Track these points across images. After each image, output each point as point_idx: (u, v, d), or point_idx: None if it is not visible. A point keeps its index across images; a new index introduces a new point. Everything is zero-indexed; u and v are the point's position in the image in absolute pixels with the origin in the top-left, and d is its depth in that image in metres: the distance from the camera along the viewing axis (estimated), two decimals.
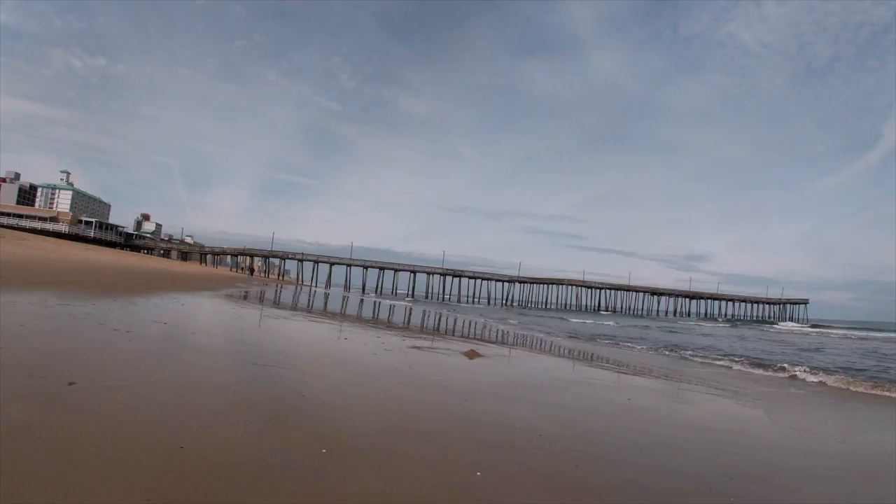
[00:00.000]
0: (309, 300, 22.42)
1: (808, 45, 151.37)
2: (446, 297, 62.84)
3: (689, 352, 12.94)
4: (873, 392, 8.04)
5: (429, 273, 63.64)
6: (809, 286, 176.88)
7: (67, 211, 67.77)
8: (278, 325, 9.93)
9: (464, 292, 63.77)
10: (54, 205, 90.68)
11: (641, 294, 68.01)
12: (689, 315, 66.70)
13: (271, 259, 65.90)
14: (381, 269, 63.21)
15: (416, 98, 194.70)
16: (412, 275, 63.00)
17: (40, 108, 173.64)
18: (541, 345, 12.45)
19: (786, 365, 10.48)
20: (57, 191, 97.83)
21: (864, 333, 35.89)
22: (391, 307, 24.44)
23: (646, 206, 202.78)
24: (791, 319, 67.15)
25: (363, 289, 61.57)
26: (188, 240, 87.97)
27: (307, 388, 4.22)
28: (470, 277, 64.85)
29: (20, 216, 53.03)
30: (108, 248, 45.98)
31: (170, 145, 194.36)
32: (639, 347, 13.69)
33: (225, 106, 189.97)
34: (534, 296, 65.95)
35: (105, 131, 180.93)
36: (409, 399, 4.30)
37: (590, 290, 66.79)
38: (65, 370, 3.51)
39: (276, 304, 16.92)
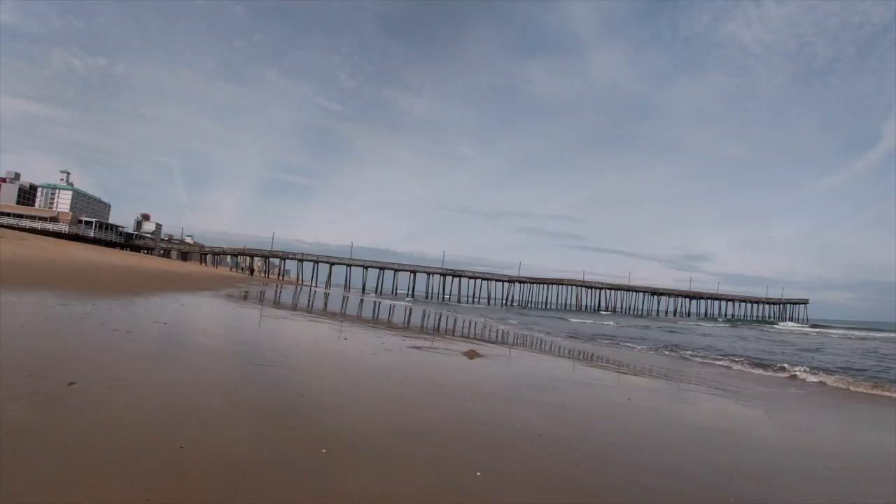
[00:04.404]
0: (309, 300, 22.42)
1: (808, 45, 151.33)
2: (446, 297, 62.84)
3: (689, 352, 12.94)
4: (873, 392, 8.04)
5: (429, 273, 63.63)
6: (809, 286, 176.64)
7: (67, 211, 67.63)
8: (278, 325, 9.93)
9: (464, 292, 63.84)
10: (54, 205, 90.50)
11: (641, 294, 67.99)
12: (689, 315, 66.68)
13: (271, 259, 65.89)
14: (381, 269, 63.20)
15: (416, 98, 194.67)
16: (412, 275, 63.00)
17: (40, 108, 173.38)
18: (541, 345, 12.45)
19: (786, 365, 10.48)
20: (57, 191, 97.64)
21: (864, 333, 35.88)
22: (391, 307, 24.44)
23: (646, 206, 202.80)
24: (791, 319, 67.10)
25: (363, 289, 61.55)
26: (188, 240, 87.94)
27: (307, 388, 4.22)
28: (470, 277, 64.84)
29: (20, 216, 53.02)
30: (108, 248, 45.97)
31: (170, 145, 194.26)
32: (639, 347, 13.69)
33: (225, 106, 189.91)
34: (534, 296, 66.01)
35: (105, 131, 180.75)
36: (409, 399, 4.30)
37: (590, 290, 66.79)
38: (65, 370, 3.51)
39: (276, 304, 16.92)
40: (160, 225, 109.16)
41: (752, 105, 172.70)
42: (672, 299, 68.59)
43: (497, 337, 13.49)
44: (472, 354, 7.76)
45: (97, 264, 21.15)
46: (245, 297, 17.57)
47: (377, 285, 62.27)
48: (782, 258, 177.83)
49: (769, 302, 70.54)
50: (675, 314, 66.59)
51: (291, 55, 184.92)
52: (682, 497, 2.69)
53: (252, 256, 66.10)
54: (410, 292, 61.97)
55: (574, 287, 66.47)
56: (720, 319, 60.85)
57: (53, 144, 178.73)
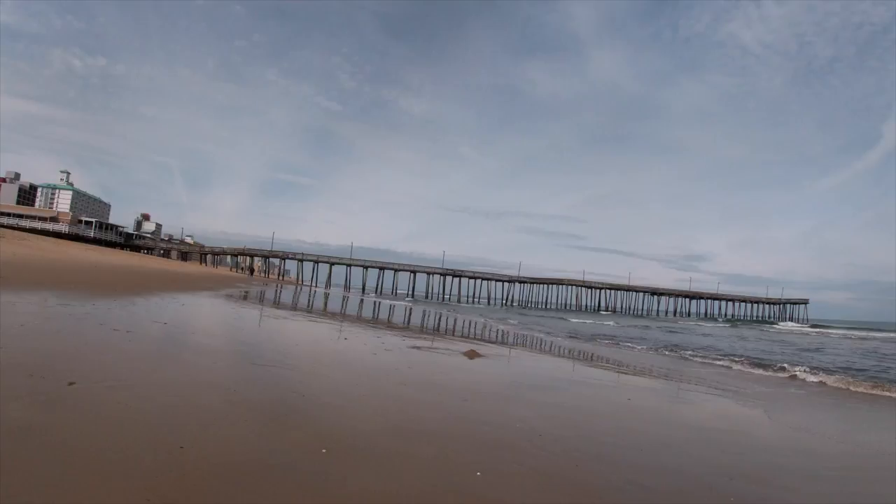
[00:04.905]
0: (309, 300, 22.42)
1: (808, 45, 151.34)
2: (446, 297, 62.84)
3: (689, 352, 12.94)
4: (873, 392, 8.04)
5: (429, 273, 63.62)
6: (809, 286, 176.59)
7: (67, 211, 67.59)
8: (278, 325, 9.93)
9: (464, 292, 63.83)
10: (54, 205, 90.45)
11: (641, 294, 67.98)
12: (689, 315, 66.67)
13: (271, 259, 65.88)
14: (381, 269, 63.19)
15: (416, 98, 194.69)
16: (412, 275, 62.99)
17: (40, 108, 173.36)
18: (541, 345, 12.45)
19: (786, 365, 10.48)
20: (57, 191, 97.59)
21: (864, 333, 35.87)
22: (391, 307, 24.44)
23: (646, 206, 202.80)
24: (791, 319, 67.08)
25: (363, 289, 61.55)
26: (188, 240, 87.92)
27: (307, 388, 4.22)
28: (470, 277, 64.83)
29: (20, 216, 53.00)
30: (108, 248, 45.96)
31: (170, 145, 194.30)
32: (639, 347, 13.69)
33: (225, 106, 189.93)
34: (534, 296, 66.00)
35: (105, 131, 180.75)
36: (409, 399, 4.30)
37: (590, 290, 66.78)
38: (65, 370, 3.51)
39: (276, 304, 16.92)
40: (160, 225, 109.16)
41: (752, 105, 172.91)
42: (672, 299, 68.61)
43: (497, 337, 13.49)
44: (472, 354, 7.76)
45: (97, 264, 21.15)
46: (245, 297, 17.57)
47: (377, 285, 62.27)
48: (782, 258, 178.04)
49: (769, 302, 70.53)
50: (675, 314, 66.58)
51: (291, 55, 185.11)
52: (682, 497, 2.69)
53: (252, 256, 66.09)
54: (410, 292, 61.96)
55: (574, 287, 66.46)
56: (720, 319, 60.84)
57: (53, 144, 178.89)
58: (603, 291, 67.12)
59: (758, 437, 4.50)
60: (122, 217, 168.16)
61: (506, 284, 65.62)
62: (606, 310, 64.72)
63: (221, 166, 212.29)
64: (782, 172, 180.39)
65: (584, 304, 65.64)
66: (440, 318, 19.99)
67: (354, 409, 3.70)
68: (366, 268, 63.24)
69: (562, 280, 66.93)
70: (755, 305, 70.64)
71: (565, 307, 64.44)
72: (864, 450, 4.54)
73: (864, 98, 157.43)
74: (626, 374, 8.09)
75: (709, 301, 69.61)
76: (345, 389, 4.40)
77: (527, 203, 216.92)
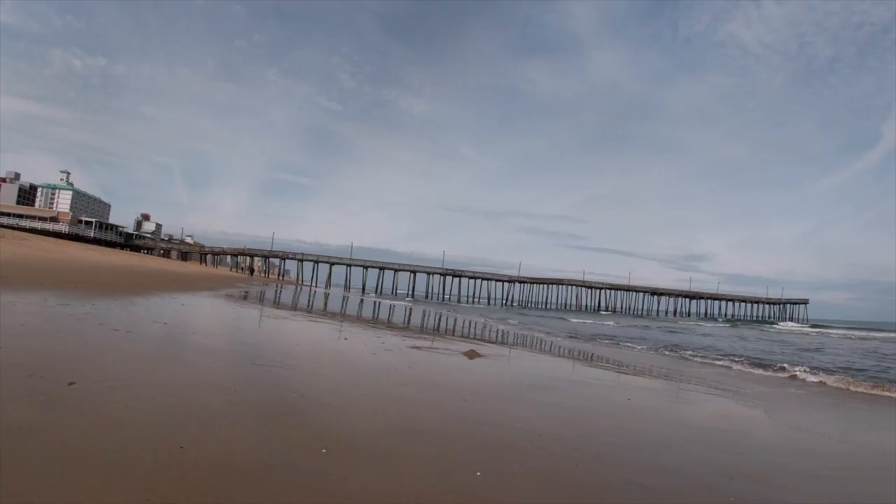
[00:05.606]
0: (309, 300, 22.42)
1: (808, 45, 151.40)
2: (446, 297, 62.84)
3: (689, 352, 12.94)
4: (873, 392, 8.04)
5: (429, 273, 63.62)
6: (809, 286, 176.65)
7: (67, 211, 67.59)
8: (278, 325, 9.93)
9: (464, 292, 63.85)
10: (54, 205, 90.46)
11: (641, 294, 67.98)
12: (689, 315, 66.67)
13: (271, 259, 65.88)
14: (381, 269, 63.19)
15: (416, 98, 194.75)
16: (412, 275, 63.00)
17: (40, 108, 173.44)
18: (541, 345, 12.45)
19: (786, 365, 10.48)
20: (57, 191, 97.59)
21: (864, 333, 35.87)
22: (391, 307, 24.44)
23: (646, 206, 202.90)
24: (791, 319, 67.08)
25: (363, 289, 61.55)
26: (188, 240, 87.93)
27: (307, 388, 4.22)
28: (470, 277, 64.83)
29: (20, 216, 53.00)
30: (108, 248, 45.96)
31: (170, 145, 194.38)
32: (639, 347, 13.69)
33: (225, 106, 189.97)
34: (534, 296, 66.00)
35: (105, 131, 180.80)
36: (409, 399, 4.30)
37: (590, 290, 66.78)
38: (65, 370, 3.51)
39: (276, 304, 16.92)
40: (160, 225, 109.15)
41: (752, 105, 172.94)
42: (672, 299, 68.60)
43: (497, 337, 13.49)
44: (472, 354, 7.76)
45: (97, 264, 21.15)
46: (245, 297, 17.57)
47: (377, 285, 62.27)
48: (782, 258, 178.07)
49: (769, 302, 70.52)
50: (675, 314, 66.57)
51: (291, 55, 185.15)
52: (682, 497, 2.69)
53: (252, 256, 66.08)
54: (410, 292, 61.96)
55: (574, 287, 66.46)
56: (720, 319, 60.83)
57: (53, 144, 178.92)
58: (603, 291, 67.12)
59: (758, 437, 4.50)
60: (122, 217, 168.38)
61: (506, 284, 65.63)
62: (606, 310, 64.71)
63: (221, 166, 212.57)
64: (782, 172, 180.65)
65: (584, 304, 65.65)
66: (440, 318, 19.99)
67: (354, 409, 3.70)
68: (366, 268, 63.24)
69: (562, 280, 66.93)
70: (755, 305, 70.63)
71: (565, 307, 64.43)
72: (864, 450, 4.54)
73: (864, 98, 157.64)
74: (626, 374, 8.09)
75: (709, 301, 69.62)
76: (345, 389, 4.40)
77: (527, 203, 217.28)
